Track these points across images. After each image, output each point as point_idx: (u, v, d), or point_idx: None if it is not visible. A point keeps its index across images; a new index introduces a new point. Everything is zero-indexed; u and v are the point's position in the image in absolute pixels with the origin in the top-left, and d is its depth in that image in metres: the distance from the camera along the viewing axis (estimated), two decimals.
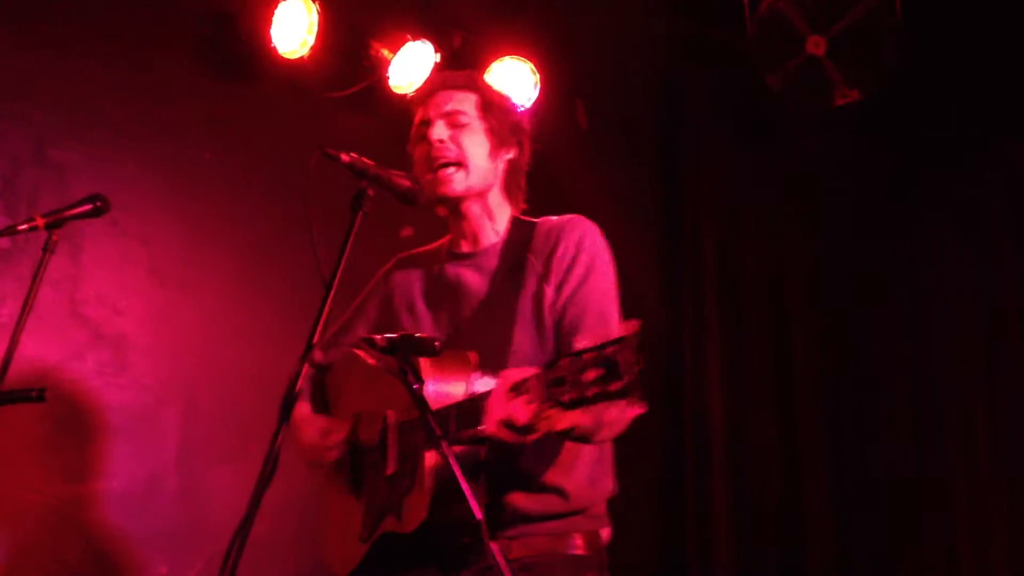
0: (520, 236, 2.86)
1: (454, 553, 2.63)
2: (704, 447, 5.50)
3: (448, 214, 2.93)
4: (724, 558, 5.45)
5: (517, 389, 2.24)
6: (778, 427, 5.66)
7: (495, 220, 2.91)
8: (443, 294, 2.90)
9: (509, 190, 2.94)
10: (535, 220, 2.92)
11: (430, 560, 2.69)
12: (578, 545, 2.70)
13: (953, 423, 5.38)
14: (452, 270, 2.91)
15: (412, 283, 2.97)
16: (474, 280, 2.85)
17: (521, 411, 2.21)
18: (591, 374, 2.06)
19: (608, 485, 2.80)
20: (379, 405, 2.73)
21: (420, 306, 2.91)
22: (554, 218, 2.89)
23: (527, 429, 2.25)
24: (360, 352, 2.83)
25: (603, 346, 2.06)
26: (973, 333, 5.38)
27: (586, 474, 2.72)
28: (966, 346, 5.39)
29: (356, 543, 2.74)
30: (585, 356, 2.08)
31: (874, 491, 5.54)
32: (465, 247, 2.93)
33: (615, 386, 2.02)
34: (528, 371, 2.24)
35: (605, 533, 2.80)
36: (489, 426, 2.30)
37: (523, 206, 2.98)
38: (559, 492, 2.67)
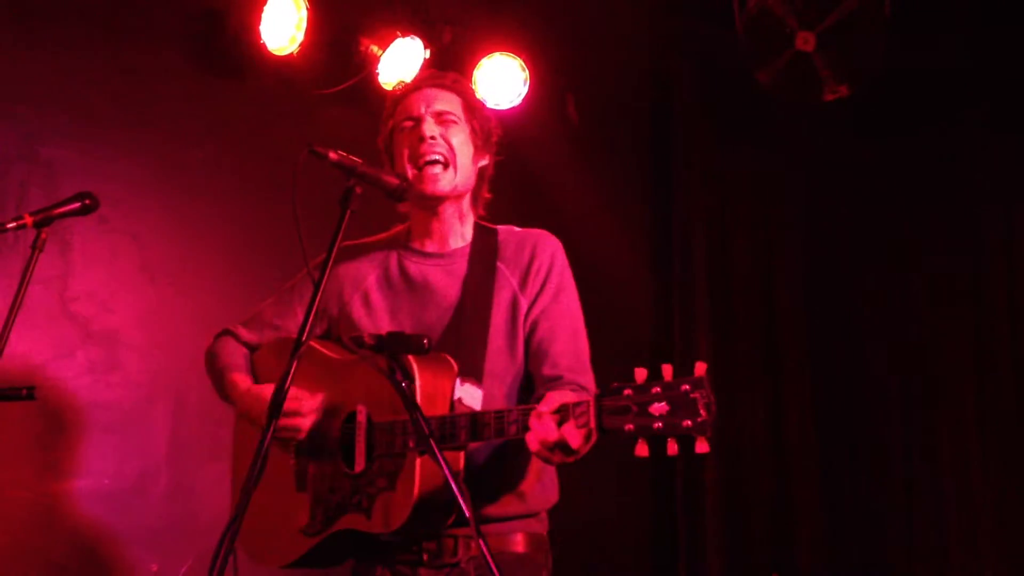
0: (485, 242, 2.89)
1: (413, 553, 2.67)
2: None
3: (413, 210, 2.92)
4: (715, 551, 5.46)
5: (564, 413, 2.30)
6: (768, 424, 5.68)
7: (464, 224, 2.92)
8: (404, 289, 2.88)
9: (476, 196, 2.96)
10: (495, 227, 2.94)
11: (385, 558, 2.71)
12: (519, 542, 2.75)
13: (942, 416, 5.40)
14: (416, 267, 2.89)
15: (365, 274, 2.93)
16: (442, 282, 2.85)
17: (573, 435, 2.28)
18: (659, 408, 2.15)
19: (555, 490, 2.87)
20: (339, 400, 2.70)
21: (376, 299, 2.89)
22: (517, 229, 2.94)
23: (578, 452, 2.33)
24: (315, 343, 2.81)
25: (676, 383, 2.15)
26: (963, 327, 5.40)
27: (536, 476, 2.78)
28: (956, 340, 5.41)
29: (297, 535, 2.71)
30: (653, 390, 2.17)
31: (863, 485, 5.57)
32: (430, 246, 2.91)
33: (687, 423, 2.12)
34: (569, 396, 2.34)
35: (545, 534, 2.86)
36: (532, 445, 2.35)
37: (482, 212, 2.99)
38: (518, 494, 2.75)
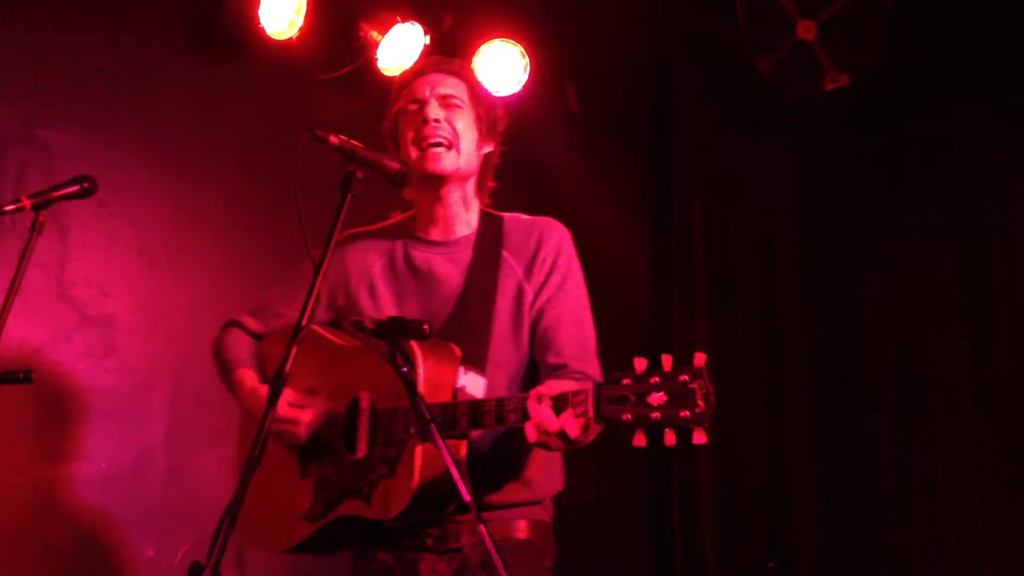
0: (491, 231, 2.88)
1: (417, 538, 2.69)
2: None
3: (418, 196, 2.91)
4: (711, 543, 5.47)
5: (562, 402, 2.30)
6: (766, 416, 5.67)
7: (469, 211, 2.91)
8: (409, 278, 2.88)
9: (480, 184, 2.94)
10: (501, 215, 2.93)
11: (388, 543, 2.72)
12: (522, 528, 2.76)
13: (940, 412, 5.39)
14: (420, 255, 2.88)
15: (371, 263, 2.92)
16: (447, 271, 2.84)
17: (572, 424, 2.28)
18: (657, 398, 2.13)
19: (561, 478, 2.87)
20: (343, 386, 2.70)
21: (381, 288, 2.88)
22: (524, 216, 2.92)
23: (577, 442, 2.33)
24: (319, 329, 2.81)
25: (675, 373, 2.14)
26: (961, 323, 5.38)
27: (543, 464, 2.78)
28: (954, 337, 5.39)
29: (299, 521, 2.71)
30: (652, 380, 2.16)
31: (861, 479, 5.56)
32: (435, 234, 2.90)
33: (684, 414, 2.11)
34: (569, 385, 2.34)
35: (550, 521, 2.87)
36: (530, 434, 2.34)
37: (487, 201, 2.98)
38: (523, 482, 2.76)
